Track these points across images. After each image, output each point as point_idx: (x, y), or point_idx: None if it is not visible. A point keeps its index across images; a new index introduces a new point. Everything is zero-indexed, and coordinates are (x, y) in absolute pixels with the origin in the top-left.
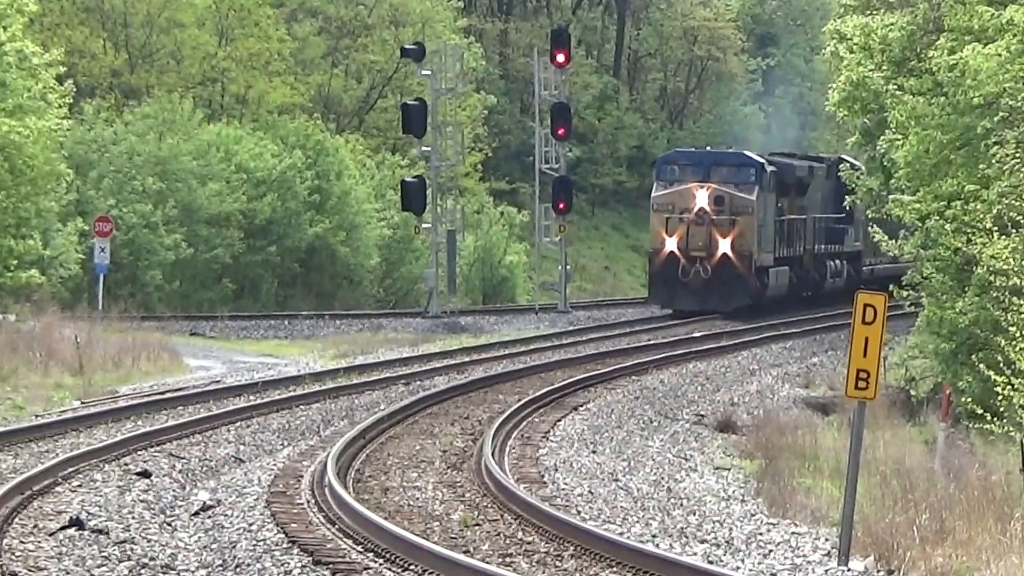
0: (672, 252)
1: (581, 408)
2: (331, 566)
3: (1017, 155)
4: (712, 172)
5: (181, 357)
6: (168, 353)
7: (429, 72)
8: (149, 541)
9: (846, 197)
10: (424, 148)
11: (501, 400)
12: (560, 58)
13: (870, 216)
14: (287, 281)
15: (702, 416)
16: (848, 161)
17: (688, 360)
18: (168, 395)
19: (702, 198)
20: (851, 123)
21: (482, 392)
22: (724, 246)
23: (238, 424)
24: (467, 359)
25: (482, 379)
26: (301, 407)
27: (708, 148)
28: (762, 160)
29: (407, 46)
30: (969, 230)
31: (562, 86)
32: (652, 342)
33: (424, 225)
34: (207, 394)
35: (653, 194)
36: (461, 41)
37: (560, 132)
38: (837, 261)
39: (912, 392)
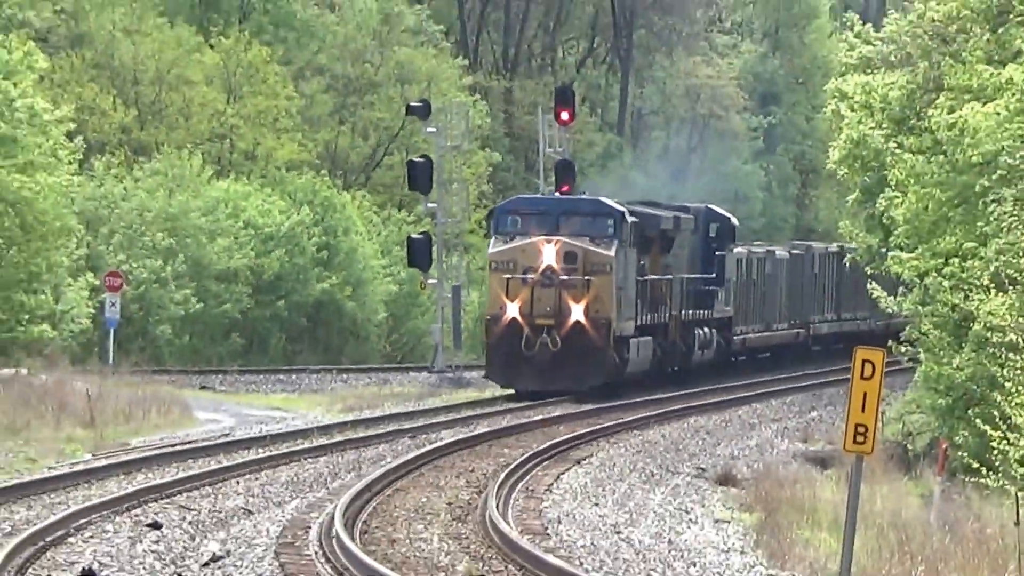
0: (514, 319)
1: (584, 462)
2: None
3: (1014, 213)
4: (562, 223)
5: (191, 410)
6: (178, 406)
7: (434, 129)
8: None
9: (715, 254)
10: (430, 204)
11: (505, 453)
12: (564, 116)
13: (869, 272)
14: (295, 336)
15: (703, 470)
16: (716, 211)
17: (689, 415)
18: (178, 447)
19: (549, 254)
20: (851, 181)
21: (487, 445)
22: (577, 312)
23: (247, 476)
24: (472, 413)
25: (487, 433)
26: (309, 460)
27: (556, 194)
28: (622, 208)
29: (413, 103)
30: (967, 287)
31: (566, 144)
32: (654, 397)
33: (430, 280)
34: (217, 447)
35: (490, 250)
36: (466, 99)
37: (564, 189)
38: (706, 329)
39: (909, 447)
